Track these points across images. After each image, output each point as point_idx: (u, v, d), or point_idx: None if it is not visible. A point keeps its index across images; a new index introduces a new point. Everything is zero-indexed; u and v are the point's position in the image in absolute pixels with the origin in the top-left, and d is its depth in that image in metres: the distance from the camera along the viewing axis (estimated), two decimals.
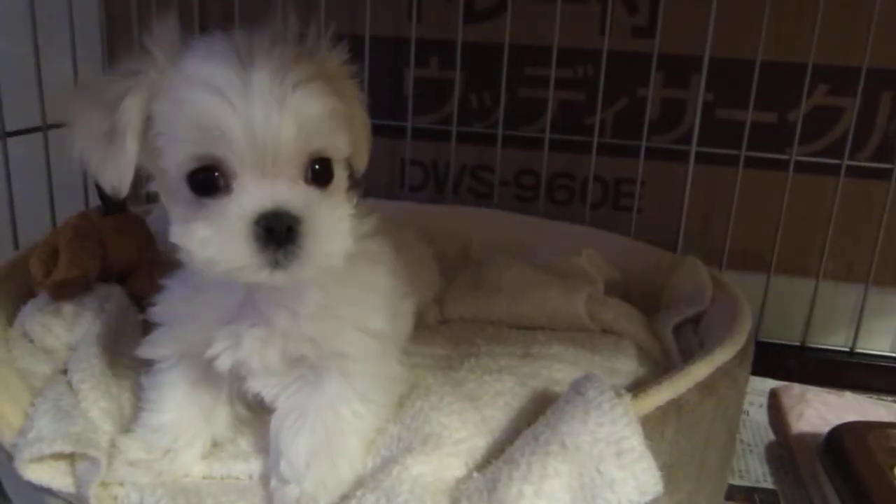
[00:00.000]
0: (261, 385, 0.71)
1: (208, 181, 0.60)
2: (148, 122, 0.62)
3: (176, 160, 0.60)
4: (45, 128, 1.16)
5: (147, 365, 0.74)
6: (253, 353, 0.67)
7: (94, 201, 1.09)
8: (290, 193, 0.59)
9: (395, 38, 1.33)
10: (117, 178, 0.62)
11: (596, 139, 1.28)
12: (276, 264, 0.59)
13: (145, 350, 0.72)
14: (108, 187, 0.63)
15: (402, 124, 1.34)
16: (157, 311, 0.71)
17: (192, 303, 0.69)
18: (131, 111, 0.61)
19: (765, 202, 1.26)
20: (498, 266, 1.10)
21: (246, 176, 0.59)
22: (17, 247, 1.11)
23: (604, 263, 1.12)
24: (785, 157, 1.22)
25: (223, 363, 0.68)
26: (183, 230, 0.60)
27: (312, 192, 0.61)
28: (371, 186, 1.28)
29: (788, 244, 1.26)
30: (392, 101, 1.36)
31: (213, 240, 0.58)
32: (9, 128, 1.10)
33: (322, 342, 0.67)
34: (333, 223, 0.61)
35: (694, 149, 1.22)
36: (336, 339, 0.68)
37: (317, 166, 0.62)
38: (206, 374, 0.71)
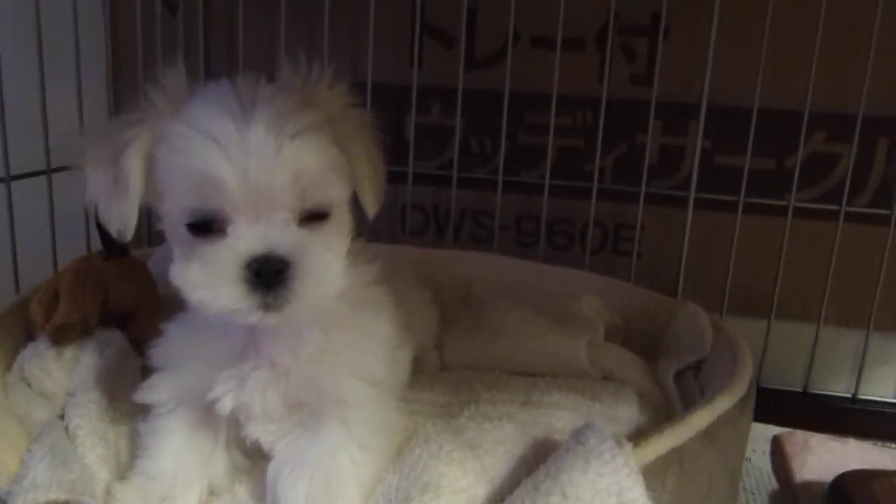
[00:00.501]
0: (259, 431, 0.70)
1: (204, 225, 0.61)
2: (151, 166, 0.64)
3: (175, 208, 0.62)
4: (49, 171, 1.17)
5: (145, 411, 0.73)
6: (255, 395, 0.67)
7: (96, 245, 1.10)
8: (281, 237, 0.60)
9: (396, 84, 1.35)
10: (122, 222, 0.64)
11: (595, 185, 1.29)
12: (266, 307, 0.60)
13: (143, 395, 0.72)
14: (114, 231, 0.65)
15: (403, 169, 1.35)
16: (157, 355, 0.71)
17: (194, 345, 0.69)
18: (134, 159, 0.63)
19: (764, 248, 1.26)
20: (498, 310, 1.10)
21: (240, 220, 0.60)
22: (18, 290, 1.11)
23: (604, 309, 1.11)
24: (783, 203, 1.23)
25: (225, 406, 0.68)
26: (180, 270, 0.62)
27: (304, 234, 0.62)
28: (372, 230, 1.28)
29: (789, 290, 1.26)
30: (393, 146, 1.37)
31: (205, 283, 0.60)
32: (13, 171, 1.11)
33: (322, 385, 0.68)
34: (324, 265, 0.62)
35: (693, 195, 1.23)
36: (335, 385, 0.68)
37: (311, 209, 0.63)
38: (205, 419, 0.71)
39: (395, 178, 1.36)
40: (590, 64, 1.29)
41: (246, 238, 0.60)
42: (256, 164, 0.59)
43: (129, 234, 0.65)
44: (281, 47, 1.33)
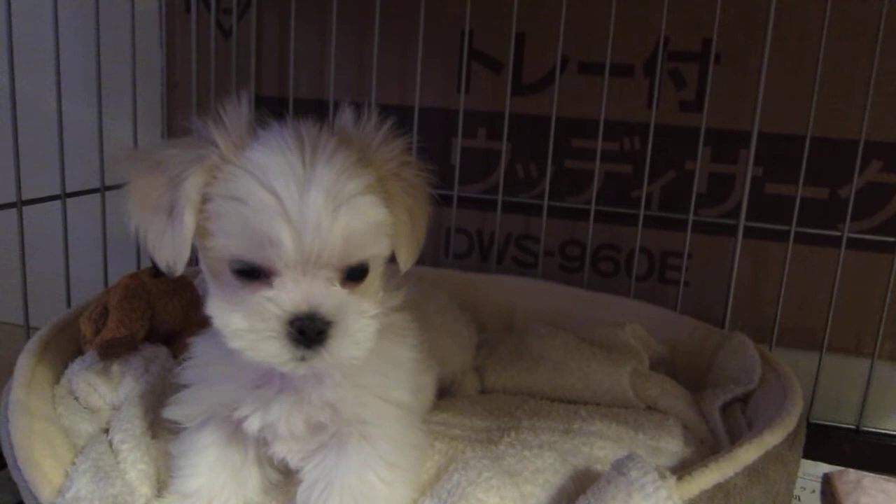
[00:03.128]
0: (285, 450, 0.71)
1: (250, 273, 0.62)
2: (205, 204, 0.63)
3: (224, 251, 0.62)
4: (103, 189, 1.20)
5: (176, 430, 0.74)
6: (280, 417, 0.68)
7: (146, 262, 1.12)
8: (325, 296, 0.62)
9: (443, 108, 1.36)
10: (174, 255, 0.64)
11: (642, 211, 1.27)
12: (301, 360, 0.61)
13: (173, 411, 0.73)
14: (162, 264, 0.65)
15: (448, 193, 1.35)
16: (186, 372, 0.73)
17: (222, 364, 0.70)
18: (192, 190, 0.63)
19: (816, 279, 1.23)
20: (541, 336, 1.09)
21: (287, 275, 0.61)
22: (69, 304, 1.14)
23: (649, 338, 1.10)
24: (837, 233, 1.20)
25: (252, 425, 0.69)
26: (220, 312, 0.63)
27: (345, 294, 0.63)
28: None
29: (842, 322, 1.23)
30: (439, 169, 1.37)
31: (247, 333, 0.61)
32: (69, 188, 1.14)
33: (342, 409, 0.68)
34: (361, 326, 0.63)
35: (742, 223, 1.21)
36: (356, 406, 0.69)
37: (353, 267, 0.64)
38: (234, 437, 0.72)
39: (440, 201, 1.36)
40: (638, 90, 1.29)
41: (292, 294, 0.61)
42: (315, 227, 0.59)
43: (181, 268, 0.65)
44: (331, 70, 1.35)
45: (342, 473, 0.68)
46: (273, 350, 0.61)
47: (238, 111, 0.65)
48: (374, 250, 0.65)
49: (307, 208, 0.59)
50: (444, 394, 1.00)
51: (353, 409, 0.69)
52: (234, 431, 0.72)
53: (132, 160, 0.66)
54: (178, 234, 0.63)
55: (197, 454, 0.72)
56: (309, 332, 0.61)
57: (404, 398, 0.72)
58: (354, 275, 0.64)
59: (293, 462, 0.72)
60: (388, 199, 0.66)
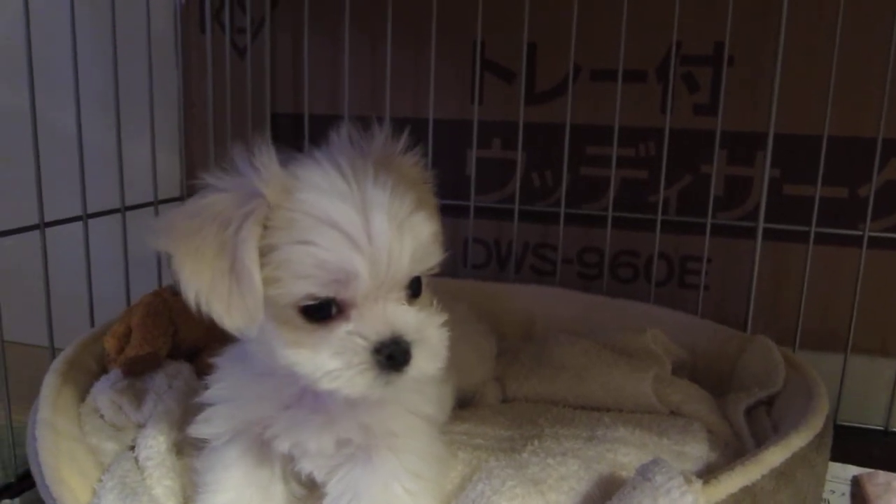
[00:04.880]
0: (312, 465, 0.71)
1: (323, 311, 0.62)
2: (262, 254, 0.61)
3: (293, 295, 0.61)
4: (123, 209, 1.21)
5: (200, 447, 0.75)
6: (311, 437, 0.68)
7: (167, 280, 1.13)
8: (402, 318, 0.62)
9: (458, 120, 1.36)
10: (248, 316, 0.61)
11: (660, 216, 1.27)
12: (389, 383, 0.62)
13: (200, 429, 0.73)
14: (233, 328, 0.62)
15: (465, 203, 1.36)
16: (213, 392, 0.73)
17: (253, 386, 0.70)
18: (253, 249, 0.60)
19: (838, 279, 1.22)
20: (561, 344, 1.09)
21: (363, 305, 0.62)
22: (93, 324, 1.15)
23: (670, 343, 1.09)
24: (858, 232, 1.19)
25: (282, 445, 0.69)
26: (300, 357, 0.62)
27: (415, 312, 0.64)
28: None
29: (866, 322, 1.21)
30: (455, 180, 1.38)
31: (343, 371, 0.61)
32: (90, 209, 1.15)
33: (375, 427, 0.68)
34: (437, 339, 0.65)
35: (761, 225, 1.20)
36: (386, 419, 0.69)
37: (412, 283, 0.65)
38: (260, 452, 0.72)
39: (456, 212, 1.37)
40: (652, 95, 1.28)
41: (373, 323, 0.62)
42: (385, 253, 0.60)
43: (256, 328, 0.63)
44: (345, 85, 1.36)
45: (368, 485, 0.68)
46: (367, 382, 0.61)
47: (266, 155, 0.63)
48: (433, 262, 0.65)
49: (376, 238, 0.60)
50: (466, 404, 1.00)
51: (381, 425, 0.69)
52: (261, 448, 0.72)
53: (170, 229, 0.63)
54: (250, 295, 0.60)
55: (224, 470, 0.73)
56: (398, 356, 0.61)
57: (432, 412, 0.73)
58: (414, 290, 0.65)
59: (319, 476, 0.72)
60: (428, 207, 0.67)
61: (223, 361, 0.73)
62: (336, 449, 0.69)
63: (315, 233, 0.60)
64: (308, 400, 0.69)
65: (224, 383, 0.72)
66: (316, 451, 0.69)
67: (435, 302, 0.68)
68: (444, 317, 0.66)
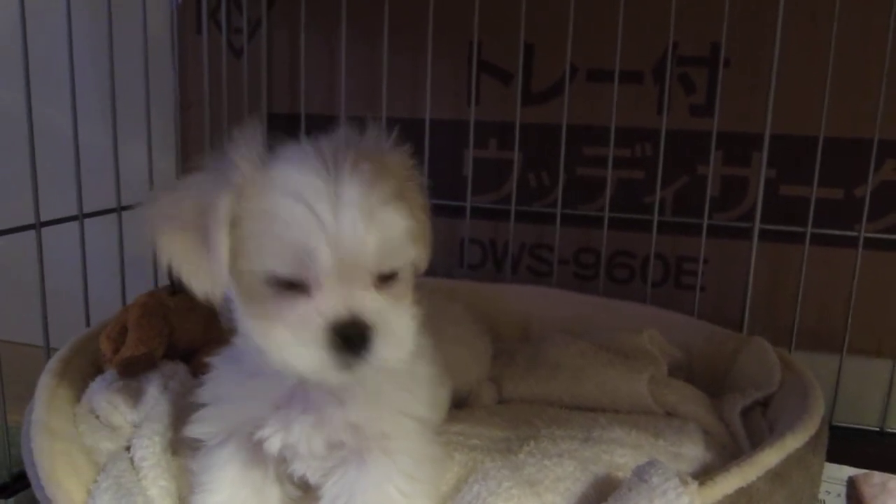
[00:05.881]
0: (305, 467, 0.71)
1: (288, 287, 0.62)
2: (233, 228, 0.63)
3: (259, 268, 0.62)
4: (119, 209, 1.21)
5: (196, 447, 0.75)
6: (301, 438, 0.68)
7: (163, 280, 1.13)
8: (364, 301, 0.62)
9: (454, 120, 1.36)
10: (211, 283, 0.63)
11: (656, 217, 1.27)
12: (346, 367, 0.61)
13: (194, 429, 0.73)
14: (201, 294, 0.64)
15: (461, 204, 1.36)
16: (207, 392, 0.73)
17: (244, 385, 0.70)
18: (222, 223, 0.62)
19: (834, 280, 1.22)
20: (558, 345, 1.09)
21: (326, 285, 0.61)
22: (88, 324, 1.14)
23: (666, 344, 1.09)
24: (854, 233, 1.19)
25: (273, 445, 0.69)
26: (260, 329, 0.63)
27: (382, 299, 0.63)
28: (430, 265, 1.29)
29: (862, 323, 1.21)
30: (452, 181, 1.38)
31: (292, 345, 0.61)
32: (85, 209, 1.15)
33: (365, 428, 0.68)
34: (402, 328, 0.64)
35: (757, 226, 1.20)
36: (378, 421, 0.69)
37: (385, 274, 0.64)
38: (254, 454, 0.72)
39: (453, 212, 1.37)
40: (648, 96, 1.28)
41: (332, 302, 0.61)
42: (350, 234, 0.60)
43: (220, 295, 0.64)
44: (341, 86, 1.36)
45: (363, 488, 0.68)
46: (319, 360, 0.61)
47: (251, 132, 0.65)
48: (405, 256, 0.65)
49: (342, 219, 0.60)
50: (461, 405, 1.00)
51: (375, 426, 0.69)
52: (254, 449, 0.72)
53: (153, 205, 0.66)
54: (215, 262, 0.62)
55: (219, 470, 0.73)
56: (353, 337, 0.61)
57: (424, 414, 0.72)
58: (386, 280, 0.64)
59: (313, 479, 0.72)
60: (407, 203, 0.66)
61: (217, 362, 0.74)
62: (328, 451, 0.69)
63: (281, 207, 0.61)
64: (298, 400, 0.69)
65: (216, 383, 0.73)
66: (307, 452, 0.69)
67: (420, 302, 0.68)
68: (418, 311, 0.66)
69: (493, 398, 1.03)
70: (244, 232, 0.62)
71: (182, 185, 0.66)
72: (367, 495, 0.68)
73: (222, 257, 0.62)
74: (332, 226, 0.60)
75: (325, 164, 0.62)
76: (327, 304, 0.61)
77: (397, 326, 0.63)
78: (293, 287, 0.62)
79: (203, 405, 0.73)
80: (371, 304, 0.62)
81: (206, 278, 0.63)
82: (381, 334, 0.62)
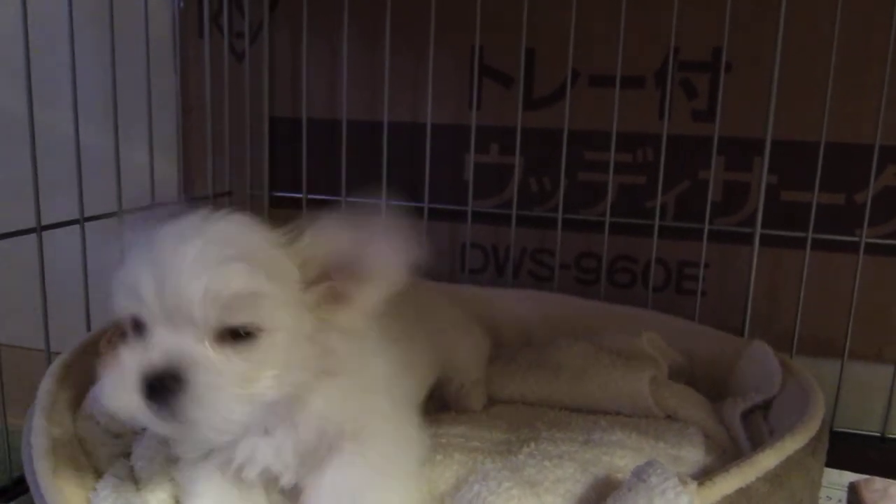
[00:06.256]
0: (287, 476, 0.71)
1: (136, 330, 0.63)
2: None
3: (116, 309, 0.64)
4: (121, 213, 1.21)
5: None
6: (269, 459, 0.69)
7: None
8: (182, 350, 0.60)
9: (456, 125, 1.37)
10: None
11: (657, 222, 1.27)
12: (169, 417, 0.60)
13: (175, 448, 0.74)
14: None
15: (462, 208, 1.36)
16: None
17: None
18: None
19: (835, 285, 1.22)
20: (559, 346, 1.09)
21: (157, 329, 0.62)
22: (89, 328, 1.14)
23: (666, 347, 1.09)
24: (855, 239, 1.19)
25: (250, 473, 0.70)
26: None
27: (214, 355, 0.61)
28: (432, 269, 1.29)
29: (863, 329, 1.21)
30: (453, 185, 1.39)
31: (111, 388, 0.62)
32: (87, 213, 1.15)
33: (329, 432, 0.69)
34: (221, 388, 0.61)
35: (758, 231, 1.20)
36: (339, 425, 0.69)
37: (239, 330, 0.62)
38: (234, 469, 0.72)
39: (454, 217, 1.37)
40: (650, 101, 1.29)
41: (154, 348, 0.61)
42: (174, 281, 0.60)
43: None
44: (343, 90, 1.37)
45: (343, 477, 0.69)
46: (132, 404, 0.60)
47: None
48: (252, 318, 0.62)
49: (174, 260, 0.60)
50: (453, 405, 1.00)
51: (337, 429, 0.69)
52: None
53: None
54: None
55: (203, 482, 0.72)
56: (157, 385, 0.59)
57: (386, 408, 0.73)
58: (240, 339, 0.62)
59: (295, 480, 0.72)
60: (268, 270, 0.64)
61: None
62: (302, 458, 0.69)
63: (134, 253, 0.63)
64: (255, 427, 0.68)
65: None
66: (282, 468, 0.69)
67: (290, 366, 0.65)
68: (278, 372, 0.64)
69: (481, 403, 1.02)
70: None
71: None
72: (346, 481, 0.68)
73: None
74: (163, 267, 0.60)
75: (199, 223, 0.64)
76: (148, 348, 0.61)
77: (216, 383, 0.60)
78: (138, 334, 0.63)
79: None
80: (198, 357, 0.60)
81: None
82: (192, 391, 0.59)
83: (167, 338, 0.61)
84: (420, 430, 0.77)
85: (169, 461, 0.79)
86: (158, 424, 0.61)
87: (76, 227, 1.14)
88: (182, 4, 1.44)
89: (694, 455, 0.86)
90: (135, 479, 0.77)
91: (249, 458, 0.69)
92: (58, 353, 0.97)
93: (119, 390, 0.61)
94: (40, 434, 0.78)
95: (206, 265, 0.60)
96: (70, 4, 1.11)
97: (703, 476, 0.67)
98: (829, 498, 1.07)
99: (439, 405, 1.01)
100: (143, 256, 0.62)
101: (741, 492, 0.66)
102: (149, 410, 0.60)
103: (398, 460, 0.71)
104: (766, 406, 0.95)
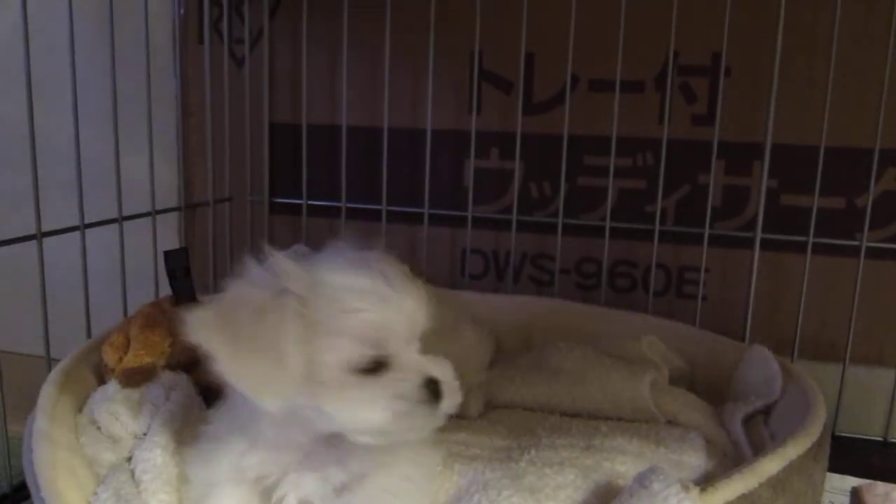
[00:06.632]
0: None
1: (372, 367, 0.66)
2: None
3: (342, 359, 0.65)
4: (121, 220, 1.21)
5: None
6: (314, 491, 0.71)
7: (164, 290, 1.13)
8: (428, 363, 0.69)
9: (456, 130, 1.37)
10: (280, 395, 0.65)
11: (658, 227, 1.27)
12: (426, 423, 0.68)
13: (196, 471, 0.74)
14: (269, 406, 0.66)
15: (462, 214, 1.36)
16: (209, 436, 0.75)
17: (244, 437, 0.72)
18: (293, 341, 0.65)
19: (836, 289, 1.22)
20: (560, 350, 1.09)
21: (401, 355, 0.68)
22: (90, 335, 1.14)
23: (666, 350, 1.09)
24: (855, 243, 1.19)
25: (290, 501, 0.72)
26: (349, 411, 0.66)
27: (431, 357, 0.70)
28: (432, 275, 1.29)
29: (864, 333, 1.21)
30: (453, 190, 1.39)
31: (397, 414, 0.65)
32: (87, 219, 1.15)
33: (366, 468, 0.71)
34: (455, 378, 0.70)
35: (759, 236, 1.20)
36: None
37: None
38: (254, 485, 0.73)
39: (454, 222, 1.37)
40: (649, 105, 1.29)
41: (412, 367, 0.68)
42: (413, 310, 0.68)
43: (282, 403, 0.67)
44: (343, 96, 1.37)
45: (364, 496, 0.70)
46: (419, 419, 0.67)
47: (281, 259, 0.68)
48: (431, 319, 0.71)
49: (404, 298, 0.67)
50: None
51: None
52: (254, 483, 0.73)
53: (205, 322, 0.67)
54: (287, 380, 0.64)
55: (217, 490, 0.73)
56: (435, 392, 0.67)
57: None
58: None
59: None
60: None
61: (216, 414, 0.76)
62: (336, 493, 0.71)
63: (358, 301, 0.66)
64: (308, 462, 0.71)
65: (217, 432, 0.75)
66: (319, 501, 0.71)
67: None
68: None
69: (478, 409, 1.02)
70: (321, 333, 0.65)
71: (230, 300, 0.68)
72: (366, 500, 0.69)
73: (296, 369, 0.64)
74: (402, 307, 0.67)
75: (357, 263, 0.69)
76: (410, 370, 0.67)
77: (453, 378, 0.70)
78: (375, 368, 0.66)
79: (207, 442, 0.75)
80: (431, 363, 0.69)
81: (274, 391, 0.65)
82: (446, 388, 0.68)
83: (410, 357, 0.68)
84: (435, 451, 0.80)
85: (171, 464, 0.79)
86: (420, 429, 0.68)
87: (76, 233, 1.14)
88: (182, 11, 1.45)
89: (695, 460, 0.86)
90: (136, 482, 0.77)
91: (294, 489, 0.71)
92: (58, 360, 0.97)
93: (407, 413, 0.66)
94: (41, 440, 0.78)
95: (416, 289, 0.69)
96: (70, 11, 1.11)
97: (705, 481, 0.67)
98: (832, 502, 1.07)
99: None
100: (377, 301, 0.66)
101: (744, 497, 0.66)
102: (421, 419, 0.67)
103: (420, 471, 0.74)
104: (766, 411, 0.94)
